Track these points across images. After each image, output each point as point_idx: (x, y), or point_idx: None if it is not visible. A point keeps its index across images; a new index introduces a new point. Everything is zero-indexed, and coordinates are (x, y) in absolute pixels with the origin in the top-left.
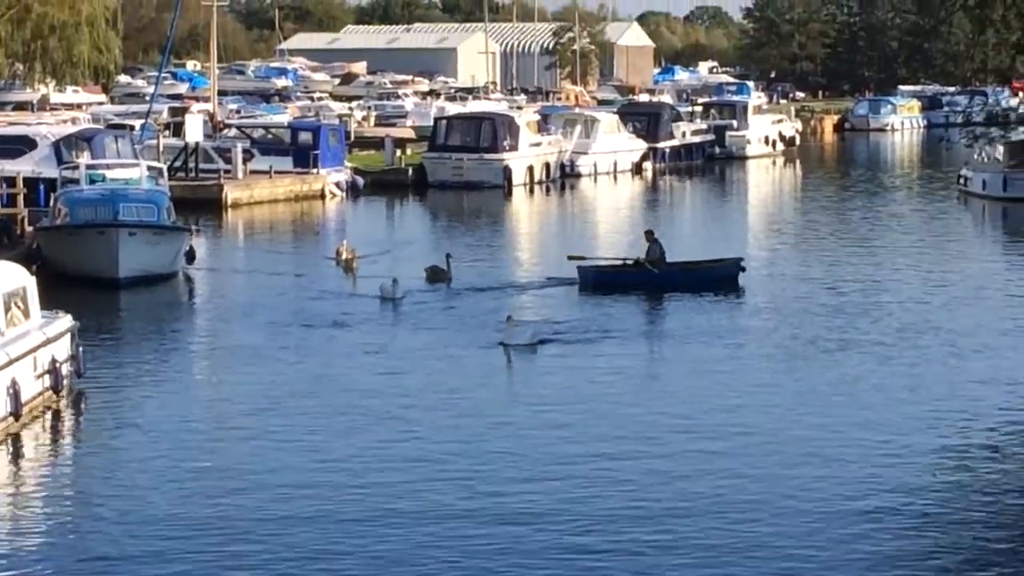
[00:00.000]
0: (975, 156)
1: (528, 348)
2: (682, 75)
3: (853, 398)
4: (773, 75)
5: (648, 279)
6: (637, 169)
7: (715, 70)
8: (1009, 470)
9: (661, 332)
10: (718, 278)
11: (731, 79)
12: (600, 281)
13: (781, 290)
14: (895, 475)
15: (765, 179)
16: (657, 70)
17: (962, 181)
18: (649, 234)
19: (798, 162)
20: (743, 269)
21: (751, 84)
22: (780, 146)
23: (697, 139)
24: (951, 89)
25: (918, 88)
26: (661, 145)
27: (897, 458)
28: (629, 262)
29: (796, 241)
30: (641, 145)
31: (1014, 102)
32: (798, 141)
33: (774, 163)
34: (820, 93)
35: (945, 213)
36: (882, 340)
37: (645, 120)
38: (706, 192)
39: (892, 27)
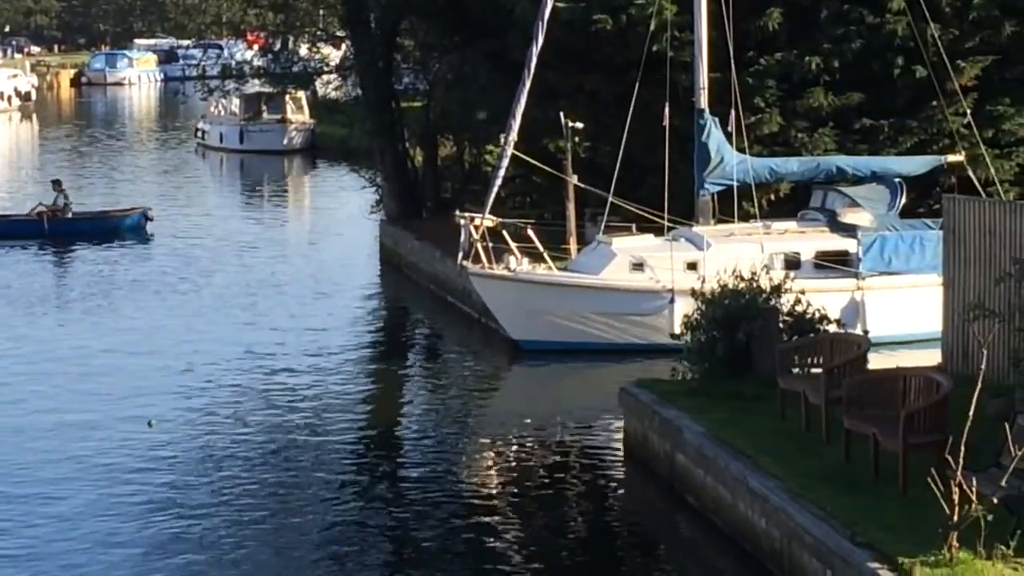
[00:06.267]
0: (211, 109)
1: None
2: None
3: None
4: (7, 29)
5: (55, 229)
6: None
7: None
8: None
9: None
10: (125, 228)
11: None
12: None
13: None
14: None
15: (2, 135)
16: None
17: (200, 134)
18: (56, 184)
19: (35, 117)
20: (150, 219)
21: None
22: (16, 101)
23: None
24: (187, 42)
25: (154, 42)
26: None
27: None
28: (42, 210)
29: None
30: None
31: (249, 55)
32: (35, 96)
33: (11, 119)
34: (56, 47)
35: (186, 165)
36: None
37: None
38: None
39: None
